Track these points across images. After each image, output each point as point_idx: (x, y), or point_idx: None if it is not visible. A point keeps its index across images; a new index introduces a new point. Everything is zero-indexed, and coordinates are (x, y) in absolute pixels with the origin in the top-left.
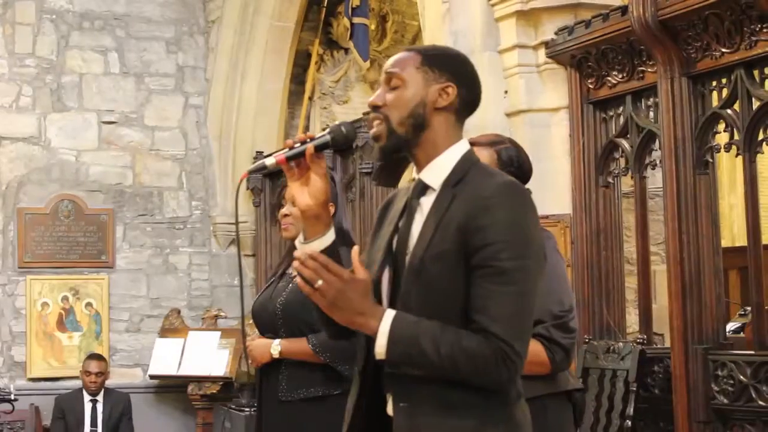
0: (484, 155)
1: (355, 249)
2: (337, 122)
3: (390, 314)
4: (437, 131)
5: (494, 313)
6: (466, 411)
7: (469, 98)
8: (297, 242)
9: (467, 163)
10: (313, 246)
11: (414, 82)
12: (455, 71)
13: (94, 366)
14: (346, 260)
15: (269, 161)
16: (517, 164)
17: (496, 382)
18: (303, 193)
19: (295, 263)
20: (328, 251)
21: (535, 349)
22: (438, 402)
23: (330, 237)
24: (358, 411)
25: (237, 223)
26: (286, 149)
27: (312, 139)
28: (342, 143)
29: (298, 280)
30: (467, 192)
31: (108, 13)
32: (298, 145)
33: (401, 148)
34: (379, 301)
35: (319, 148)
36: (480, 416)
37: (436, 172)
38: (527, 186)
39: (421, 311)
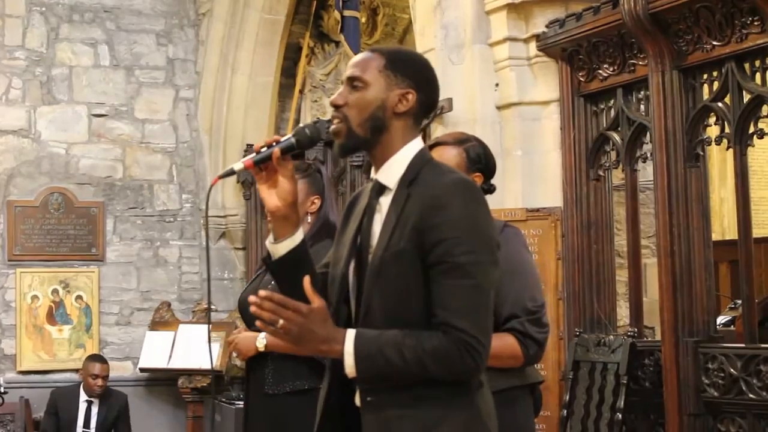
0: (453, 154)
1: (306, 279)
2: (301, 124)
3: (351, 334)
4: (395, 134)
5: (453, 307)
6: (431, 402)
7: (427, 103)
8: (267, 242)
9: (420, 161)
10: (283, 245)
11: (376, 85)
12: (416, 77)
13: (98, 369)
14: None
15: (237, 166)
16: (484, 162)
17: (463, 374)
18: (271, 196)
19: (252, 307)
20: (298, 250)
21: (510, 342)
22: (404, 395)
23: (299, 237)
24: (329, 402)
25: (207, 226)
26: (254, 153)
27: (278, 142)
28: (307, 145)
29: (258, 323)
30: (420, 191)
31: (98, 5)
32: (265, 149)
33: (359, 148)
34: (347, 296)
35: (285, 151)
36: (444, 406)
37: (391, 172)
38: (492, 180)
39: (383, 310)
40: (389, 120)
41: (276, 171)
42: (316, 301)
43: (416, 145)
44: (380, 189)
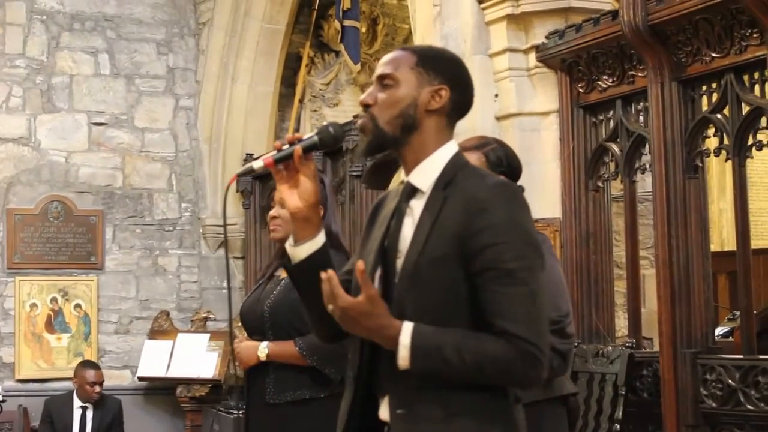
0: (473, 159)
1: (360, 263)
2: (325, 123)
3: (408, 327)
4: (427, 133)
5: (511, 315)
6: (466, 416)
7: (461, 101)
8: (287, 245)
9: (457, 165)
10: (303, 249)
11: (407, 83)
12: (449, 74)
13: (94, 375)
14: (336, 263)
15: (257, 164)
16: (506, 164)
17: (523, 383)
18: (292, 196)
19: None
20: (319, 253)
21: None
22: (437, 408)
23: (321, 239)
24: (353, 414)
25: (225, 225)
26: (274, 151)
27: (300, 140)
28: (330, 144)
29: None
30: (459, 194)
31: (99, 14)
32: (286, 146)
33: (387, 146)
34: None
35: (308, 150)
36: (480, 421)
37: (425, 174)
38: (518, 184)
39: (417, 318)
40: (421, 118)
41: (297, 170)
42: (371, 290)
43: (452, 147)
44: (412, 192)
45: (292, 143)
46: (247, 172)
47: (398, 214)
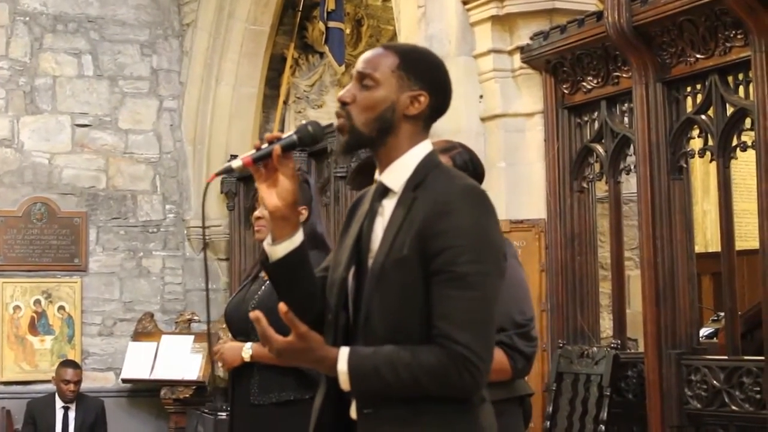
0: None
1: (282, 306)
2: (303, 121)
3: (344, 353)
4: (402, 136)
5: (454, 319)
6: (431, 417)
7: (439, 106)
8: (265, 244)
9: (428, 165)
10: (281, 247)
11: (387, 85)
12: (429, 79)
13: (71, 374)
14: (317, 264)
15: (236, 163)
16: (472, 168)
17: (461, 391)
18: (271, 195)
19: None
20: (297, 252)
21: (497, 356)
22: (402, 409)
23: (298, 238)
24: (324, 412)
25: (203, 226)
26: (253, 150)
27: (279, 139)
28: (309, 143)
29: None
30: (428, 195)
31: (82, 15)
32: (265, 146)
33: (363, 146)
34: (347, 302)
35: (287, 149)
36: (445, 423)
37: (397, 174)
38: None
39: (383, 317)
40: (398, 122)
41: (276, 169)
42: (301, 328)
43: (425, 147)
44: (384, 191)
45: (271, 142)
46: (225, 171)
47: (371, 214)
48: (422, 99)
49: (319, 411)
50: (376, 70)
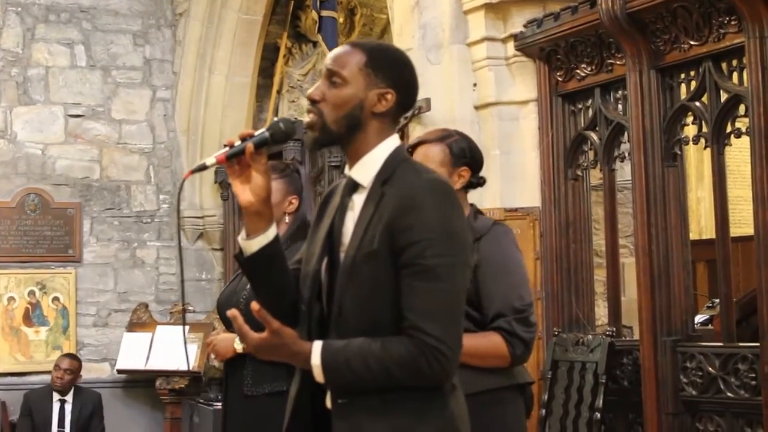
0: (436, 151)
1: (255, 305)
2: (275, 118)
3: (318, 347)
4: (370, 132)
5: (420, 309)
6: (404, 407)
7: (406, 103)
8: (239, 238)
9: (396, 160)
10: (255, 242)
11: (355, 83)
12: (396, 77)
13: (65, 363)
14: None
15: (209, 161)
16: (469, 155)
17: (431, 380)
18: (244, 191)
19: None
20: (271, 247)
21: (496, 342)
22: (375, 399)
23: (272, 233)
24: (299, 401)
25: (179, 224)
26: (227, 148)
27: (252, 136)
28: (281, 140)
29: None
30: (396, 190)
31: (74, 5)
32: (238, 143)
33: (333, 143)
34: (320, 294)
35: (259, 146)
36: (417, 412)
37: (366, 169)
38: (480, 176)
39: (355, 310)
40: (366, 119)
41: (249, 166)
42: (273, 324)
43: (392, 142)
44: (354, 186)
45: (244, 139)
46: (200, 169)
47: (341, 208)
48: (389, 96)
49: (295, 400)
50: (343, 68)
